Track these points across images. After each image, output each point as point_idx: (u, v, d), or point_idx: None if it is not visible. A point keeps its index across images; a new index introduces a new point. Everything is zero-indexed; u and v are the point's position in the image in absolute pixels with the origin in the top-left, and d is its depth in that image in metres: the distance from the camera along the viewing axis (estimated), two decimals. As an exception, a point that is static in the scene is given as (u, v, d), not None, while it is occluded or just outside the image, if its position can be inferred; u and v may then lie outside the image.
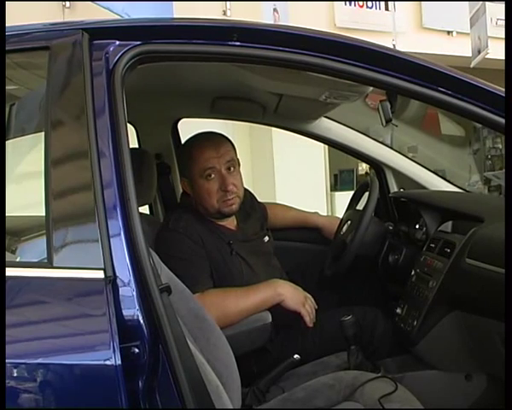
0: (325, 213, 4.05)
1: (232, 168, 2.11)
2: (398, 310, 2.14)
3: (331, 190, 7.46)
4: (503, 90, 1.32)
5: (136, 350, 1.10)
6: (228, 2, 5.95)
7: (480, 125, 7.15)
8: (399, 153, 2.86)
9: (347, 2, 6.83)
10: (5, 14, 1.41)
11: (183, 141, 2.63)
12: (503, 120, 1.30)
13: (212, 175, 2.08)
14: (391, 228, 2.40)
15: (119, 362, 1.05)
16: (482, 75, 1.42)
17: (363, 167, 7.54)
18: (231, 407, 1.37)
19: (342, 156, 3.46)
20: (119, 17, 4.66)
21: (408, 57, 1.36)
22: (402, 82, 1.34)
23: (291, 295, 2.01)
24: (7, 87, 1.51)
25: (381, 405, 1.54)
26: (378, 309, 2.24)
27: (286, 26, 1.50)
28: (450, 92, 1.33)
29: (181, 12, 5.10)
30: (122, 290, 1.11)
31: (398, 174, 2.74)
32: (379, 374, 1.77)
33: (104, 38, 1.31)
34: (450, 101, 1.34)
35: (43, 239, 1.17)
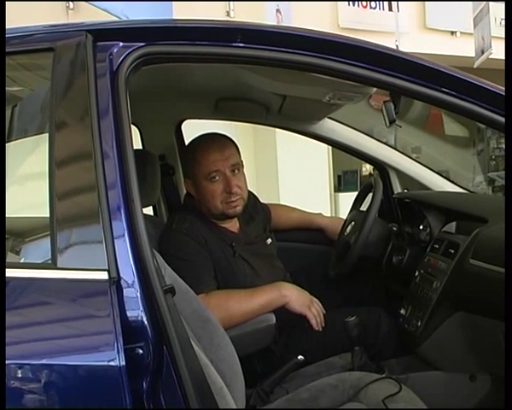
0: (329, 215, 4.05)
1: (236, 171, 2.12)
2: (402, 311, 2.14)
3: (335, 191, 7.46)
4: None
5: (141, 351, 1.10)
6: (231, 3, 5.95)
7: (483, 126, 7.15)
8: (403, 154, 2.86)
9: (351, 3, 6.82)
10: (5, 15, 1.41)
11: (186, 142, 2.63)
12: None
13: (217, 177, 2.09)
14: (395, 229, 2.40)
15: (123, 363, 1.05)
16: (486, 75, 1.42)
17: (367, 168, 7.54)
18: (235, 408, 1.37)
19: (346, 157, 3.45)
20: (117, 19, 4.66)
21: (411, 58, 1.36)
22: (406, 83, 1.34)
23: (296, 297, 2.01)
24: (12, 88, 1.51)
25: (385, 406, 1.53)
26: (382, 310, 2.24)
27: (289, 27, 1.50)
28: (453, 93, 1.33)
29: (180, 14, 5.10)
30: (126, 291, 1.11)
31: (402, 175, 2.74)
32: (383, 375, 1.77)
33: (108, 40, 1.31)
34: (453, 101, 1.33)
35: (48, 240, 1.17)
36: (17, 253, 1.45)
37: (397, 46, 6.09)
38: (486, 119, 1.34)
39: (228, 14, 5.96)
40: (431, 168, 2.80)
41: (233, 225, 2.21)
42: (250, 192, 2.29)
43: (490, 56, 5.81)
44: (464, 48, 6.98)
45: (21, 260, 1.44)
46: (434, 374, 1.99)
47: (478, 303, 1.83)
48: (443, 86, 1.33)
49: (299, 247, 2.67)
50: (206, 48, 1.35)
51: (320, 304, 2.06)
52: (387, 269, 2.37)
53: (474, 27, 6.16)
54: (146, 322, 1.11)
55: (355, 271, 2.29)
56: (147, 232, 1.16)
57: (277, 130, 3.77)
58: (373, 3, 6.98)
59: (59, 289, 1.15)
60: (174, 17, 4.90)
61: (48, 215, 1.18)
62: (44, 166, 1.22)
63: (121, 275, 1.12)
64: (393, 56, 1.38)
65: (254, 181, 5.75)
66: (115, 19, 4.61)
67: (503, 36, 1.51)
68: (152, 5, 4.97)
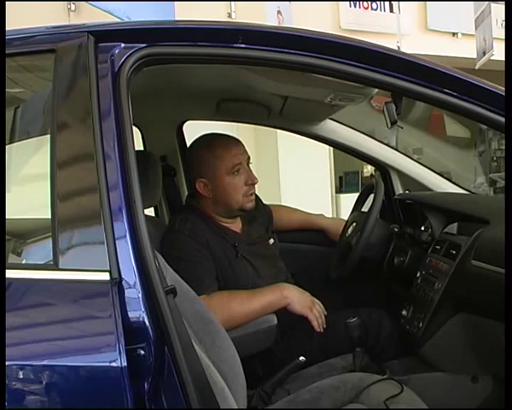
0: (330, 216, 4.05)
1: (249, 165, 2.18)
2: (404, 312, 2.14)
3: (336, 193, 7.45)
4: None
5: (142, 352, 1.10)
6: (232, 4, 5.95)
7: (485, 127, 7.14)
8: (405, 155, 2.86)
9: (352, 4, 6.81)
10: (5, 15, 1.41)
11: (188, 143, 2.63)
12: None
13: (239, 170, 2.12)
14: (396, 230, 2.40)
15: (124, 364, 1.05)
16: (487, 77, 1.42)
17: (368, 170, 7.53)
18: (237, 409, 1.37)
19: (347, 158, 3.45)
20: (120, 20, 4.65)
21: (413, 58, 1.36)
22: (407, 83, 1.34)
23: (297, 298, 2.01)
24: (13, 90, 1.52)
25: (386, 407, 1.53)
26: (383, 311, 2.24)
27: (291, 27, 1.50)
28: (455, 94, 1.33)
29: (183, 15, 5.11)
30: (128, 292, 1.11)
31: (404, 176, 2.73)
32: (384, 376, 1.77)
33: (109, 41, 1.31)
34: (455, 102, 1.33)
35: (49, 241, 1.17)
36: (19, 254, 1.46)
37: (398, 47, 6.08)
38: (487, 119, 1.34)
39: (229, 15, 5.96)
40: (432, 169, 2.80)
41: (236, 225, 2.22)
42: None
43: (491, 58, 5.81)
44: (466, 49, 6.98)
45: (23, 262, 1.45)
46: (436, 375, 1.99)
47: (479, 304, 1.83)
48: (445, 87, 1.33)
49: (301, 248, 2.67)
50: (208, 49, 1.36)
51: (321, 305, 2.06)
52: (389, 270, 2.37)
53: (476, 29, 6.15)
54: (147, 323, 1.11)
55: (356, 272, 2.29)
56: (148, 233, 1.16)
57: (279, 131, 3.76)
58: (374, 4, 6.98)
59: (60, 290, 1.15)
60: (176, 18, 4.90)
61: (49, 216, 1.18)
62: (46, 168, 1.22)
63: (123, 276, 1.12)
64: (395, 57, 1.38)
65: (256, 182, 5.73)
66: (117, 20, 4.61)
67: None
68: (154, 6, 4.97)
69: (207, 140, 2.21)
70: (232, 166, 2.11)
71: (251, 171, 2.17)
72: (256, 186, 2.20)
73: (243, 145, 2.19)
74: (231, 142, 2.17)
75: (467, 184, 4.10)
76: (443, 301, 1.94)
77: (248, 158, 2.17)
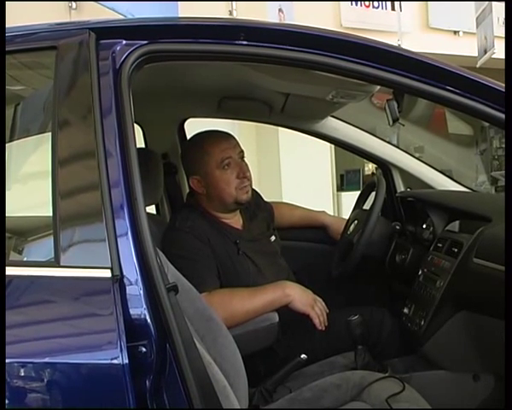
0: (332, 214, 4.04)
1: (242, 158, 2.17)
2: (406, 310, 2.14)
3: (337, 191, 7.44)
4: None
5: (144, 349, 1.10)
6: (234, 2, 5.95)
7: (487, 125, 7.13)
8: (406, 152, 2.86)
9: (353, 2, 6.81)
10: (5, 14, 1.41)
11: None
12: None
13: (230, 164, 2.12)
14: (398, 228, 2.39)
15: (126, 361, 1.05)
16: (488, 75, 1.41)
17: (370, 168, 7.53)
18: (238, 407, 1.36)
19: (348, 156, 3.45)
20: (123, 17, 4.65)
21: (415, 55, 1.36)
22: (409, 80, 1.33)
23: (299, 296, 2.01)
24: (14, 87, 1.51)
25: (388, 405, 1.53)
26: (385, 309, 2.24)
27: (293, 24, 1.50)
28: (457, 91, 1.33)
29: (186, 12, 5.11)
30: (129, 289, 1.11)
31: (405, 174, 2.73)
32: (386, 374, 1.77)
33: (111, 38, 1.31)
34: (457, 99, 1.33)
35: (51, 239, 1.17)
36: (20, 252, 1.46)
37: (399, 45, 6.08)
38: (490, 117, 1.34)
39: (230, 13, 5.96)
40: (434, 167, 2.80)
41: (236, 222, 2.22)
42: (253, 189, 2.30)
43: (493, 56, 5.80)
44: (467, 47, 6.98)
45: (24, 259, 1.45)
46: (438, 374, 1.98)
47: (481, 302, 1.82)
48: (447, 84, 1.33)
49: (302, 246, 2.67)
50: (209, 46, 1.35)
51: (323, 303, 2.05)
52: (391, 268, 2.37)
53: (477, 27, 6.15)
54: (149, 320, 1.11)
55: (358, 270, 2.28)
56: (150, 231, 1.16)
57: (280, 130, 3.76)
58: (375, 3, 6.98)
59: (62, 287, 1.15)
60: (179, 16, 4.89)
61: (51, 214, 1.18)
62: (47, 165, 1.21)
63: (124, 273, 1.12)
64: (397, 54, 1.37)
65: (257, 181, 5.73)
66: (119, 18, 4.61)
67: (507, 35, 1.50)
68: (158, 6, 4.97)
69: (198, 138, 2.25)
70: (221, 160, 2.12)
71: (244, 164, 2.17)
72: (257, 184, 2.20)
73: (235, 139, 2.20)
74: (221, 137, 2.18)
75: (468, 182, 4.10)
76: (445, 299, 1.94)
77: (241, 152, 2.18)
